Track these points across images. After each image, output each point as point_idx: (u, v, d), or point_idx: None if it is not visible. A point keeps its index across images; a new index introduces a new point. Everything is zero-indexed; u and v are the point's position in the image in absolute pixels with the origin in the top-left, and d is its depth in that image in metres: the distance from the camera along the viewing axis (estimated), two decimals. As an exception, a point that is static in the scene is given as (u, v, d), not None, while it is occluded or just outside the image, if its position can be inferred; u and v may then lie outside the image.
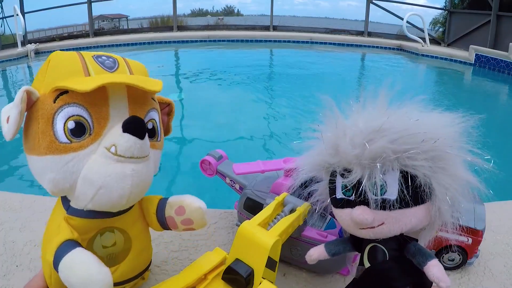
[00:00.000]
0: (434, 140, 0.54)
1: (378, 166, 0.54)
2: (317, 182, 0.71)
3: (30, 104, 0.56)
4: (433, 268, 0.55)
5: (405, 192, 0.54)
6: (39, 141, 0.55)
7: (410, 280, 0.59)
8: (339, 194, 0.61)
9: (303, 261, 0.90)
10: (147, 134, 0.57)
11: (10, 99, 4.20)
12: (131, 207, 0.65)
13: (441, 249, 0.91)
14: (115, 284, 0.67)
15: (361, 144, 0.55)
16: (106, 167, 0.53)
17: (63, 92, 0.54)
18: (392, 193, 0.55)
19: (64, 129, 0.54)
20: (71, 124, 0.54)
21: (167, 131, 0.76)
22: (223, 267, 0.70)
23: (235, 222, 1.10)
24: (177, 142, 2.83)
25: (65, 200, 0.61)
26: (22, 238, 1.04)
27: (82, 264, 0.51)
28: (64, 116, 0.54)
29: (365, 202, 0.57)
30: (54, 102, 0.54)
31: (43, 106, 0.55)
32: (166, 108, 0.75)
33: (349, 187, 0.58)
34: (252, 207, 0.95)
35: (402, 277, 0.59)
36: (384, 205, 0.55)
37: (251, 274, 0.66)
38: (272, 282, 0.68)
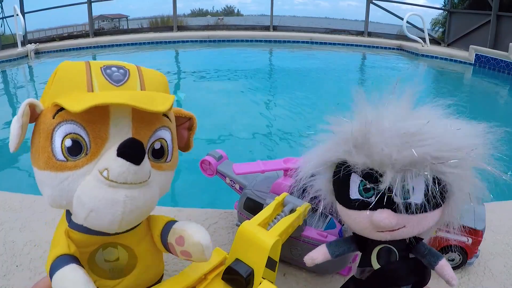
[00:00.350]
0: (469, 149, 0.54)
1: (413, 171, 0.52)
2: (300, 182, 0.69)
3: (35, 116, 0.56)
4: (446, 268, 0.57)
5: (432, 197, 0.54)
6: (39, 155, 0.54)
7: (414, 278, 0.60)
8: (355, 195, 0.58)
9: (303, 261, 0.90)
10: (147, 157, 0.53)
11: (10, 100, 4.20)
12: (137, 226, 0.62)
13: (441, 249, 0.91)
14: None
15: (398, 146, 0.53)
16: (98, 191, 0.50)
17: (63, 108, 0.52)
18: (419, 197, 0.54)
19: (61, 146, 0.52)
20: (68, 142, 0.52)
21: (187, 146, 0.70)
22: (223, 267, 0.70)
23: (235, 222, 1.10)
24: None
25: (68, 213, 0.60)
26: (22, 238, 1.04)
27: (69, 282, 0.50)
28: (62, 133, 0.52)
29: (388, 205, 0.55)
30: (53, 118, 0.53)
31: (44, 120, 0.54)
32: (187, 123, 0.69)
33: (369, 188, 0.56)
34: (252, 207, 0.95)
35: (408, 276, 0.60)
36: (409, 208, 0.55)
37: (251, 274, 0.66)
38: (272, 282, 0.68)
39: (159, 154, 0.58)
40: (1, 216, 1.14)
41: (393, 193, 0.54)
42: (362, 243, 0.66)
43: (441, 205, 0.57)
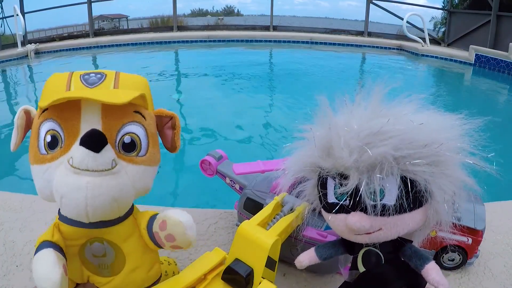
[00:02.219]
0: (437, 145, 0.52)
1: (378, 173, 0.51)
2: (304, 182, 0.68)
3: (31, 120, 0.64)
4: (432, 272, 0.54)
5: (405, 197, 0.52)
6: (30, 151, 0.62)
7: (405, 282, 0.58)
8: (332, 199, 0.58)
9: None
10: (114, 149, 0.58)
11: (10, 100, 4.21)
12: (120, 221, 0.64)
13: (441, 249, 0.91)
14: None
15: (359, 148, 0.52)
16: (65, 178, 0.56)
17: (46, 109, 0.60)
18: (391, 199, 0.53)
19: (44, 142, 0.60)
20: (48, 138, 0.60)
21: (174, 147, 0.73)
22: (223, 267, 0.70)
23: (235, 222, 1.10)
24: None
25: (59, 209, 0.65)
26: (22, 238, 1.04)
27: (41, 261, 0.55)
28: (44, 130, 0.60)
29: (362, 208, 0.54)
30: (38, 118, 0.61)
31: (34, 122, 0.63)
32: (169, 122, 0.71)
33: (342, 192, 0.55)
34: (252, 207, 0.95)
35: (397, 279, 0.58)
36: (382, 211, 0.53)
37: (250, 274, 0.66)
38: (271, 282, 0.68)
39: (129, 147, 0.62)
40: (1, 216, 1.14)
41: (359, 195, 0.53)
42: (349, 246, 0.65)
43: (420, 206, 0.55)
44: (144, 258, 0.68)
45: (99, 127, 0.59)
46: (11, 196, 1.27)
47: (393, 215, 0.53)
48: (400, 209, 0.53)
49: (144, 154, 0.64)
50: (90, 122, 0.59)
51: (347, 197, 0.55)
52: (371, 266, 0.61)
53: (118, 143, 0.61)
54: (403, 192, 0.52)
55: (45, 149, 0.60)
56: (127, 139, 0.61)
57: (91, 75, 0.62)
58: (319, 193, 0.62)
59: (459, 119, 0.56)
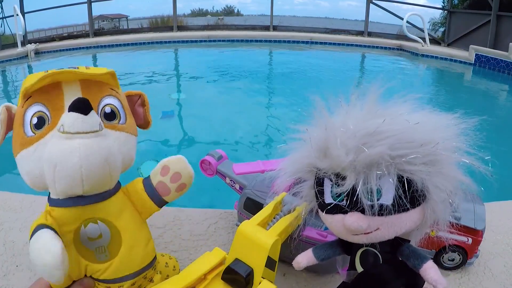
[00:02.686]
0: (434, 144, 0.52)
1: (375, 172, 0.51)
2: (302, 182, 0.68)
3: (12, 117, 0.66)
4: (430, 271, 0.54)
5: (402, 197, 0.52)
6: (16, 141, 0.64)
7: (403, 282, 0.58)
8: (328, 199, 0.58)
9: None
10: (94, 112, 0.62)
11: (10, 100, 4.21)
12: (110, 196, 0.66)
13: (441, 249, 0.91)
14: (110, 282, 0.67)
15: (355, 148, 0.52)
16: (58, 145, 0.58)
17: (29, 97, 0.64)
18: (388, 198, 0.53)
19: (30, 125, 0.63)
20: (34, 120, 0.62)
21: (146, 123, 0.78)
22: (223, 267, 0.70)
23: (235, 222, 1.10)
24: (177, 142, 2.83)
25: (48, 196, 0.66)
26: (22, 238, 1.04)
27: (38, 239, 0.56)
28: (30, 114, 0.63)
29: (359, 208, 0.54)
30: (22, 107, 0.64)
31: (17, 114, 0.65)
32: (139, 100, 0.77)
33: (340, 193, 0.55)
34: (252, 207, 0.95)
35: (395, 279, 0.58)
36: (380, 210, 0.53)
37: (250, 274, 0.66)
38: (271, 282, 0.68)
39: (110, 116, 0.67)
40: (1, 216, 1.14)
41: (356, 195, 0.53)
42: (347, 246, 0.65)
43: (417, 205, 0.55)
44: (139, 233, 0.70)
45: None
46: (11, 196, 1.27)
47: (390, 214, 0.53)
48: (397, 208, 0.53)
49: (124, 122, 0.69)
50: (72, 98, 0.62)
51: (344, 197, 0.55)
52: (369, 266, 0.60)
53: (100, 113, 0.66)
54: (400, 192, 0.52)
55: (32, 131, 0.62)
56: (107, 109, 0.67)
57: (66, 68, 0.67)
58: (316, 194, 0.62)
59: (455, 118, 0.56)
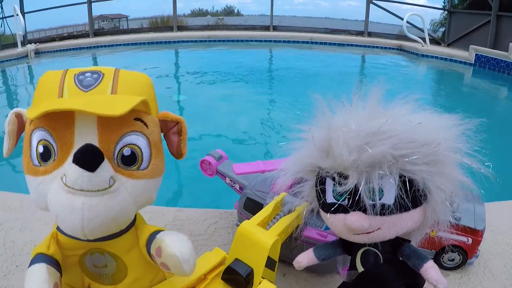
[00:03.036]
0: (435, 144, 0.52)
1: (377, 172, 0.52)
2: (302, 182, 0.68)
3: (23, 123, 0.59)
4: (431, 270, 0.54)
5: (404, 196, 0.53)
6: (23, 160, 0.58)
7: (404, 282, 0.58)
8: (330, 199, 0.58)
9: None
10: (112, 164, 0.54)
11: (10, 100, 4.21)
12: (121, 234, 0.61)
13: (441, 249, 0.91)
14: None
15: (358, 148, 0.52)
16: (59, 196, 0.51)
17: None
18: (390, 198, 0.53)
19: (36, 152, 0.55)
20: (40, 148, 0.55)
21: (179, 153, 0.68)
22: (223, 267, 0.70)
23: (235, 222, 1.10)
24: (177, 142, 2.82)
25: None
26: (22, 238, 1.04)
27: (31, 277, 0.53)
28: (36, 139, 0.55)
29: (360, 208, 0.54)
30: (30, 124, 0.56)
31: (26, 128, 0.58)
32: (175, 127, 0.66)
33: (342, 192, 0.56)
34: (252, 207, 0.95)
35: (396, 279, 0.58)
36: (381, 210, 0.53)
37: (250, 274, 0.66)
38: (271, 282, 0.68)
39: (129, 161, 0.56)
40: (1, 216, 1.14)
41: (358, 194, 0.53)
42: (348, 246, 0.65)
43: (419, 205, 0.55)
44: (147, 268, 0.65)
45: (94, 139, 0.53)
46: (11, 196, 1.27)
47: (392, 214, 0.54)
48: (399, 208, 0.53)
49: (146, 166, 0.58)
50: (84, 133, 0.53)
51: (347, 196, 0.55)
52: (370, 266, 0.61)
53: (117, 157, 0.55)
54: (402, 191, 0.53)
55: (38, 160, 0.55)
56: (126, 152, 0.55)
57: (86, 74, 0.57)
58: (318, 194, 0.62)
59: (456, 119, 0.56)
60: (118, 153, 0.55)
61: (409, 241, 0.60)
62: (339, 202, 0.57)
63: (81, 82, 0.56)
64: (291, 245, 0.88)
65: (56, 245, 0.59)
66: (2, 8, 6.80)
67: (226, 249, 0.74)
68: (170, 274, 0.83)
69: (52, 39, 7.34)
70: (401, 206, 0.53)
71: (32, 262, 0.55)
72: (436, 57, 6.39)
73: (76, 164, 0.49)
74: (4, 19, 6.71)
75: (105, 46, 7.08)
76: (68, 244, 0.60)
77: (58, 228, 0.60)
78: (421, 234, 0.62)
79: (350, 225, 0.55)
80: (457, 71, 5.86)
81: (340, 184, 0.55)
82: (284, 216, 0.79)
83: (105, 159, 0.51)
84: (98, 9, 10.13)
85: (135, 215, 0.65)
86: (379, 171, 0.52)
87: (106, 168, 0.51)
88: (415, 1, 9.90)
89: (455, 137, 0.55)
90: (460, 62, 6.04)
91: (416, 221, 0.57)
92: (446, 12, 7.70)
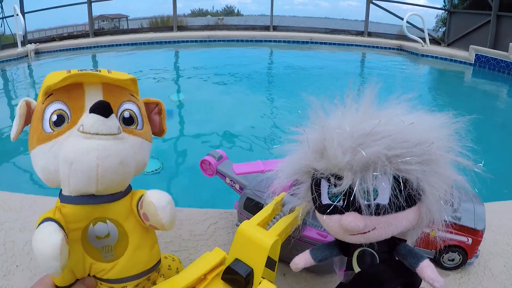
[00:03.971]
0: (428, 144, 0.52)
1: (371, 172, 0.52)
2: (298, 184, 0.68)
3: (31, 112, 0.67)
4: (427, 269, 0.54)
5: (398, 196, 0.53)
6: (33, 136, 0.65)
7: (400, 281, 0.58)
8: (325, 200, 0.58)
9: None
10: (117, 120, 0.64)
11: (10, 99, 4.21)
12: (120, 198, 0.66)
13: (441, 250, 0.91)
14: (114, 282, 0.67)
15: (352, 149, 0.53)
16: (76, 144, 0.59)
17: (50, 94, 0.65)
18: (384, 198, 0.53)
19: (49, 122, 0.64)
20: (54, 117, 0.64)
21: (161, 131, 0.79)
22: (223, 267, 0.70)
23: (235, 222, 1.10)
24: (177, 142, 2.83)
25: (60, 193, 0.66)
26: (22, 238, 1.04)
27: (40, 230, 0.57)
28: (50, 111, 0.64)
29: (355, 208, 0.55)
30: (43, 103, 0.65)
31: (36, 109, 0.66)
32: (156, 108, 0.78)
33: (336, 193, 0.56)
34: (252, 207, 0.95)
35: (393, 279, 0.58)
36: (376, 210, 0.54)
37: (250, 274, 0.66)
38: (271, 282, 0.68)
39: (129, 121, 0.69)
40: (1, 216, 1.14)
41: (353, 195, 0.53)
42: (344, 247, 0.65)
43: (413, 204, 0.55)
44: (145, 236, 0.70)
45: None
46: (11, 196, 1.27)
47: (387, 214, 0.54)
48: (393, 208, 0.54)
49: (141, 128, 0.70)
50: (93, 99, 0.64)
51: (341, 197, 0.56)
52: (366, 266, 0.61)
53: (119, 118, 0.67)
54: (396, 191, 0.53)
55: (51, 127, 0.63)
56: (126, 114, 0.68)
57: (87, 69, 0.67)
58: (313, 195, 0.62)
59: (448, 118, 0.57)
60: (120, 115, 0.68)
61: (405, 241, 0.61)
62: (334, 203, 0.57)
63: (84, 71, 0.66)
64: (290, 245, 0.88)
65: (61, 215, 0.63)
66: (2, 8, 6.81)
67: (226, 249, 0.74)
68: (168, 274, 0.83)
69: (52, 39, 7.34)
70: (395, 206, 0.54)
71: (39, 224, 0.59)
72: (436, 57, 6.40)
73: (93, 112, 0.60)
74: (4, 19, 6.72)
75: (105, 46, 7.08)
76: (72, 214, 0.64)
77: (62, 199, 0.65)
78: (417, 233, 0.62)
79: (345, 225, 0.55)
80: (457, 71, 5.87)
81: (335, 185, 0.56)
82: (284, 216, 0.79)
83: (113, 113, 0.62)
84: (98, 9, 10.15)
85: (131, 187, 0.71)
86: (373, 172, 0.52)
87: (115, 118, 0.62)
88: (415, 1, 9.90)
89: (448, 136, 0.55)
90: (460, 62, 6.04)
91: (411, 221, 0.57)
92: (446, 12, 7.70)
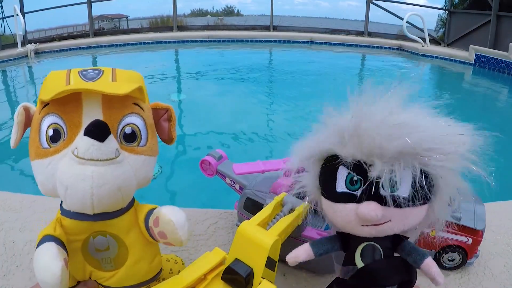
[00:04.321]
0: (459, 144, 0.54)
1: (400, 163, 0.52)
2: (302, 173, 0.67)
3: (30, 117, 0.65)
4: (432, 265, 0.57)
5: (419, 190, 0.54)
6: (31, 147, 0.63)
7: (400, 278, 0.59)
8: (341, 188, 0.58)
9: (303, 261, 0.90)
10: (116, 139, 0.60)
11: (10, 99, 4.21)
12: (122, 214, 0.65)
13: (441, 249, 0.91)
14: None
15: (383, 138, 0.53)
16: (70, 168, 0.57)
17: (46, 104, 0.61)
18: (405, 191, 0.54)
19: (45, 136, 0.61)
20: (50, 132, 0.61)
21: (170, 139, 0.75)
22: (223, 267, 0.70)
23: (235, 222, 1.10)
24: (177, 142, 2.83)
25: (61, 204, 0.65)
26: (22, 238, 1.04)
27: (42, 254, 0.56)
28: (46, 124, 0.61)
29: (375, 198, 0.55)
30: (39, 113, 0.62)
31: (34, 118, 0.64)
32: (165, 114, 0.73)
33: (357, 180, 0.56)
34: (252, 207, 0.95)
35: (394, 275, 0.59)
36: (396, 202, 0.54)
37: (250, 274, 0.66)
38: (271, 282, 0.68)
39: (130, 138, 0.64)
40: (1, 216, 1.14)
41: (380, 185, 0.54)
42: (345, 242, 0.64)
43: (428, 201, 0.56)
44: (146, 250, 0.69)
45: (100, 118, 0.60)
46: (11, 196, 1.27)
47: (405, 207, 0.54)
48: (412, 201, 0.54)
49: (144, 144, 0.66)
50: (91, 114, 0.60)
51: (360, 186, 0.56)
52: (371, 261, 0.61)
53: (120, 134, 0.63)
54: (417, 185, 0.53)
55: (47, 143, 0.61)
56: (128, 130, 0.63)
57: (89, 71, 0.64)
58: (323, 183, 0.61)
59: (471, 128, 0.57)
60: (120, 131, 0.63)
61: (408, 238, 0.61)
62: (353, 192, 0.56)
63: (85, 76, 0.63)
64: (291, 245, 0.88)
65: (61, 229, 0.62)
66: (2, 8, 6.81)
67: (226, 249, 0.74)
68: (169, 278, 0.83)
69: (52, 39, 7.34)
70: (415, 200, 0.54)
71: (40, 243, 0.58)
72: (436, 57, 6.39)
73: (87, 135, 0.56)
74: (4, 19, 6.71)
75: (105, 46, 7.08)
76: (72, 227, 0.63)
77: (62, 212, 0.63)
78: (418, 232, 0.63)
79: (364, 214, 0.54)
80: (457, 71, 5.87)
81: (356, 172, 0.56)
82: (284, 216, 0.79)
83: (111, 134, 0.58)
84: (98, 9, 10.14)
85: (134, 199, 0.69)
86: (400, 163, 0.52)
87: (112, 140, 0.58)
88: (415, 1, 9.90)
89: (471, 145, 0.56)
90: (460, 62, 6.04)
91: (421, 218, 0.58)
92: (446, 12, 7.70)
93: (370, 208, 0.54)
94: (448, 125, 0.56)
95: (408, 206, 0.55)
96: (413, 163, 0.53)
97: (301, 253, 0.66)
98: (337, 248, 0.66)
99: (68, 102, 0.60)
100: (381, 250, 0.60)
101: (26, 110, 0.65)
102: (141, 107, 0.66)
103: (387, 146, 0.52)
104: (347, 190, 0.57)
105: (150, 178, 0.69)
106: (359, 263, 0.61)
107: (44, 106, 0.61)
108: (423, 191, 0.54)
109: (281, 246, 0.72)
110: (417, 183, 0.53)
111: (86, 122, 0.59)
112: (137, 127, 0.65)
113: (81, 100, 0.61)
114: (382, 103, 0.58)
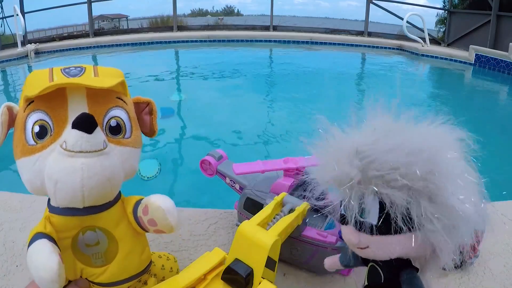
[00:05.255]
0: (407, 167, 0.50)
1: (365, 191, 0.52)
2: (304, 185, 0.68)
3: (14, 117, 0.65)
4: None
5: (389, 219, 0.51)
6: (17, 146, 0.63)
7: None
8: (342, 210, 0.58)
9: (303, 261, 0.90)
10: (103, 132, 0.61)
11: (10, 99, 4.21)
12: (110, 207, 0.66)
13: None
14: (105, 285, 0.67)
15: (357, 166, 0.52)
16: (59, 162, 0.57)
17: (31, 101, 0.62)
18: (373, 218, 0.52)
19: (31, 133, 0.61)
20: (36, 128, 0.61)
21: (152, 131, 0.76)
22: (223, 267, 0.70)
23: (235, 222, 1.10)
24: (177, 142, 2.83)
25: (49, 200, 0.65)
26: (22, 238, 1.04)
27: (36, 251, 0.56)
28: (31, 121, 0.61)
29: (355, 222, 0.54)
30: (24, 111, 0.62)
31: (19, 117, 0.64)
32: (146, 108, 0.75)
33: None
34: (252, 207, 0.95)
35: None
36: (369, 229, 0.53)
37: (250, 274, 0.66)
38: (271, 282, 0.68)
39: (116, 130, 0.66)
40: (1, 216, 1.15)
41: (341, 209, 0.55)
42: (364, 258, 0.65)
43: (403, 231, 0.52)
44: (135, 242, 0.69)
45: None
46: (11, 196, 1.27)
47: (375, 234, 0.53)
48: (382, 230, 0.53)
49: (129, 136, 0.68)
50: (77, 109, 0.61)
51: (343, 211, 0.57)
52: (371, 282, 0.62)
53: (105, 127, 0.64)
54: (387, 214, 0.51)
55: (34, 139, 0.61)
56: (113, 123, 0.65)
57: (71, 68, 0.65)
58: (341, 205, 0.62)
59: (455, 132, 0.54)
60: (106, 124, 0.64)
61: (417, 269, 0.58)
62: (343, 214, 0.57)
63: (67, 73, 0.64)
64: (291, 245, 0.88)
65: (51, 226, 0.63)
66: (2, 8, 6.80)
67: (226, 249, 0.74)
68: (161, 273, 0.83)
69: (52, 39, 7.34)
70: (383, 229, 0.52)
71: (32, 241, 0.58)
72: (436, 57, 6.39)
73: (75, 128, 0.57)
74: (4, 19, 6.71)
75: (105, 46, 7.08)
76: (61, 224, 0.63)
77: (51, 209, 0.64)
78: (436, 265, 0.56)
79: (343, 237, 0.57)
80: (457, 71, 5.86)
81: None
82: (284, 216, 0.79)
83: (98, 126, 0.59)
84: (98, 9, 10.13)
85: (121, 192, 0.70)
86: (366, 191, 0.52)
87: (100, 132, 0.59)
88: (415, 1, 9.90)
89: (453, 143, 0.53)
90: (460, 62, 6.04)
91: (408, 248, 0.54)
92: (446, 12, 7.70)
93: (345, 231, 0.57)
94: (418, 136, 0.52)
95: (380, 234, 0.53)
96: (372, 191, 0.51)
97: (330, 262, 0.72)
98: (359, 263, 0.67)
99: (53, 99, 0.61)
100: (381, 273, 0.60)
101: (10, 109, 0.65)
102: (124, 101, 0.68)
103: (357, 174, 0.52)
104: (343, 212, 0.58)
105: (136, 169, 0.70)
106: (366, 281, 0.64)
107: (29, 104, 0.62)
108: (387, 222, 0.51)
109: (281, 246, 0.72)
110: (385, 212, 0.51)
111: (72, 116, 0.60)
112: (122, 119, 0.66)
113: (66, 96, 0.62)
114: (364, 132, 0.56)
